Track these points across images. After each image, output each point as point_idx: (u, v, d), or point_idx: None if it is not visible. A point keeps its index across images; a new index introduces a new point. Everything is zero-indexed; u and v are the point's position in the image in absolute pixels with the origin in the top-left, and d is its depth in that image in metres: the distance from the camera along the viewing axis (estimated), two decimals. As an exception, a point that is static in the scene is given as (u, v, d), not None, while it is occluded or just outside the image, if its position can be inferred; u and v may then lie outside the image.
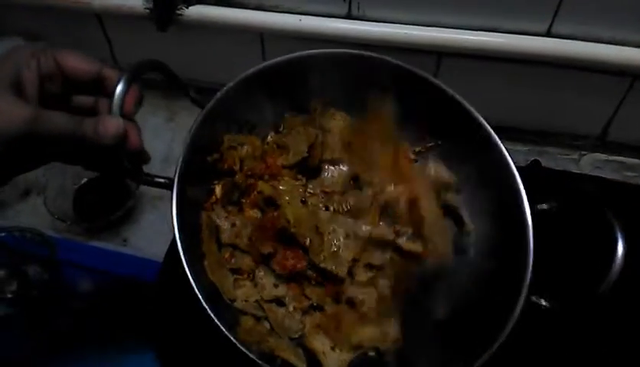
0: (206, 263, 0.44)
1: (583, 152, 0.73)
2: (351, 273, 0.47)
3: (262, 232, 0.47)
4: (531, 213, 0.45)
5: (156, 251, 0.60)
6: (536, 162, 0.63)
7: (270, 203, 0.48)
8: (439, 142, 0.52)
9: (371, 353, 0.45)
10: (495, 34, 0.62)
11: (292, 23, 0.65)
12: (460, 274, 0.50)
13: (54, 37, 0.75)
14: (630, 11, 0.58)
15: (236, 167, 0.48)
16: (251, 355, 0.38)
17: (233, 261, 0.46)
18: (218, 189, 0.47)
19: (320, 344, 0.43)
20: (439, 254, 0.49)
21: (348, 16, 0.65)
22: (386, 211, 0.49)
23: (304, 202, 0.48)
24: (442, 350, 0.44)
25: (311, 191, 0.50)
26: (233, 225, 0.47)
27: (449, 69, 0.66)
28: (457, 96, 0.49)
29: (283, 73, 0.49)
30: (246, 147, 0.49)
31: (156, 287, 0.57)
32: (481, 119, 0.48)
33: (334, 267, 0.46)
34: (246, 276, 0.47)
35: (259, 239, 0.47)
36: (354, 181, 0.51)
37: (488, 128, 0.48)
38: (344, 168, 0.51)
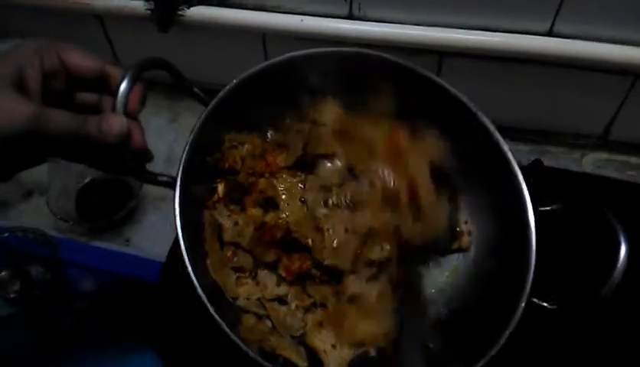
0: (208, 262, 0.44)
1: (585, 151, 0.72)
2: (353, 270, 0.47)
3: (263, 242, 0.47)
4: (534, 213, 0.44)
5: (158, 251, 0.60)
6: (538, 161, 0.63)
7: (271, 203, 0.48)
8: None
9: (372, 353, 0.45)
10: (497, 33, 0.62)
11: (293, 23, 0.65)
12: (461, 274, 0.50)
13: (55, 38, 0.75)
14: (631, 10, 0.58)
15: (238, 166, 0.48)
16: (252, 355, 0.38)
17: (235, 259, 0.46)
18: (221, 188, 0.47)
19: (321, 342, 0.43)
20: (435, 231, 0.49)
21: (349, 16, 0.65)
22: (385, 198, 0.49)
23: (303, 202, 0.48)
24: (442, 351, 0.44)
25: (310, 187, 0.49)
26: (236, 223, 0.47)
27: (451, 69, 0.66)
28: (459, 95, 0.49)
29: (285, 71, 0.49)
30: (246, 146, 0.49)
31: (158, 287, 0.57)
32: (484, 118, 0.48)
33: (338, 263, 0.46)
34: (248, 274, 0.47)
35: (261, 250, 0.47)
36: (351, 171, 0.51)
37: (491, 127, 0.48)
38: (340, 160, 0.51)
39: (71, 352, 0.56)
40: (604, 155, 0.72)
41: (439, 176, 0.51)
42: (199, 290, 0.39)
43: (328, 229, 0.46)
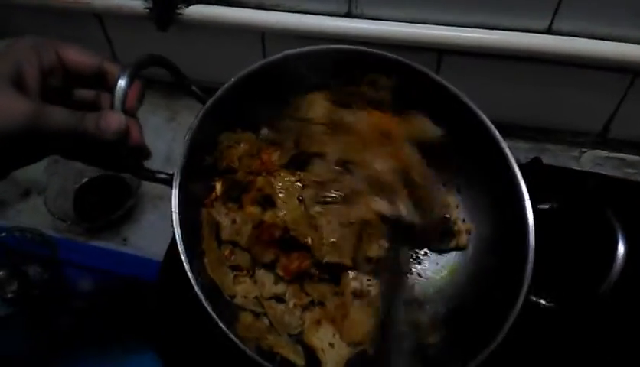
0: (206, 260, 0.44)
1: (584, 149, 0.72)
2: (353, 267, 0.47)
3: (261, 241, 0.46)
4: (532, 211, 0.44)
5: (156, 250, 0.60)
6: (537, 159, 0.63)
7: (269, 201, 0.48)
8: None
9: (370, 352, 0.45)
10: (496, 31, 0.62)
11: (292, 22, 0.65)
12: (460, 273, 0.50)
13: (54, 37, 0.75)
14: (630, 7, 0.58)
15: (235, 165, 0.48)
16: (250, 353, 0.38)
17: (232, 258, 0.46)
18: (219, 186, 0.47)
19: (319, 341, 0.43)
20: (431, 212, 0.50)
21: (348, 14, 0.65)
22: (379, 186, 0.49)
23: (301, 200, 0.48)
24: (440, 349, 0.44)
25: (306, 184, 0.49)
26: (234, 221, 0.47)
27: (450, 67, 0.66)
28: (458, 93, 0.49)
29: (282, 69, 0.49)
30: (243, 145, 0.49)
31: (156, 286, 0.57)
32: (483, 116, 0.48)
33: (337, 259, 0.46)
34: (245, 273, 0.46)
35: (259, 249, 0.46)
36: (344, 165, 0.50)
37: (489, 124, 0.48)
38: (332, 156, 0.50)
39: (70, 351, 0.56)
40: (603, 153, 0.72)
41: (431, 153, 0.51)
42: (196, 288, 0.39)
43: (324, 226, 0.46)
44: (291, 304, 0.46)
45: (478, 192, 0.51)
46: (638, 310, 0.53)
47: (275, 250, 0.46)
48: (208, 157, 0.48)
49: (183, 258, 0.39)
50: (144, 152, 0.42)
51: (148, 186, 0.67)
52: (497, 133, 0.47)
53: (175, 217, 0.40)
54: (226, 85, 0.47)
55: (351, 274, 0.47)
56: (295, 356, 0.43)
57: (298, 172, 0.49)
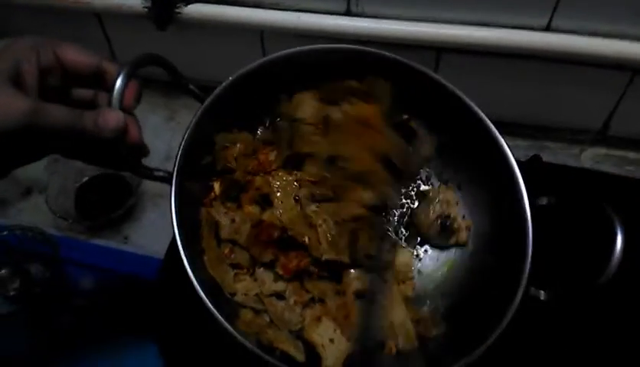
0: (206, 258, 0.45)
1: (584, 147, 0.72)
2: (352, 263, 0.47)
3: (260, 241, 0.47)
4: (531, 207, 0.44)
5: (157, 248, 0.60)
6: (536, 157, 0.63)
7: (267, 201, 0.48)
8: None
9: (370, 347, 0.45)
10: (495, 29, 0.62)
11: (291, 20, 0.65)
12: (459, 268, 0.50)
13: (54, 36, 0.75)
14: (629, 5, 0.58)
15: (233, 165, 0.49)
16: (250, 346, 0.38)
17: (232, 256, 0.47)
18: (217, 186, 0.48)
19: (319, 337, 0.43)
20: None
21: (347, 13, 0.65)
22: (364, 178, 0.49)
23: (297, 200, 0.48)
24: (440, 343, 0.44)
25: (302, 184, 0.49)
26: (233, 221, 0.47)
27: (449, 65, 0.66)
28: (457, 91, 0.49)
29: (281, 68, 0.49)
30: (238, 145, 0.49)
31: (157, 284, 0.57)
32: (482, 114, 0.48)
33: (336, 256, 0.46)
34: (245, 271, 0.47)
35: (258, 249, 0.47)
36: (335, 162, 0.50)
37: (489, 123, 0.48)
38: (321, 154, 0.50)
39: (71, 349, 0.56)
40: (602, 150, 0.72)
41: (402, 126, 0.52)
42: (196, 284, 0.39)
43: (320, 225, 0.46)
44: (291, 301, 0.46)
45: (478, 189, 0.52)
46: (636, 303, 0.53)
47: (273, 250, 0.47)
48: (207, 156, 0.48)
49: (183, 256, 0.39)
50: (142, 150, 0.42)
51: (148, 185, 0.67)
52: (496, 131, 0.48)
53: (174, 215, 0.40)
54: (224, 83, 0.47)
55: (353, 273, 0.47)
56: (295, 351, 0.43)
57: (295, 171, 0.50)
